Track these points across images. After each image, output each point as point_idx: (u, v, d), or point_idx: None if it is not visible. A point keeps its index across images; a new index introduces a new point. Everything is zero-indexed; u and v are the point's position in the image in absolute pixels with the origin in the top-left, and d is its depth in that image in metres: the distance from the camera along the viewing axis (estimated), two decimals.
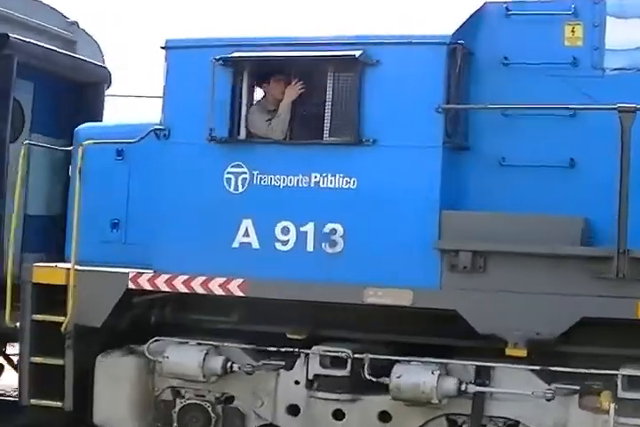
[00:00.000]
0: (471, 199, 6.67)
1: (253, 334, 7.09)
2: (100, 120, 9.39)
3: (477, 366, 6.42)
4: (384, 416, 6.68)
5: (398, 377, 6.38)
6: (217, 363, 6.82)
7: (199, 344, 6.92)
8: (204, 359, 6.79)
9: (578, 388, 6.26)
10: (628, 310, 6.05)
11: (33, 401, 7.43)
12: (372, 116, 6.56)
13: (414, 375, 6.36)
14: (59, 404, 7.33)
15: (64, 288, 7.31)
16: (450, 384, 6.33)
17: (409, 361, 6.49)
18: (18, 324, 7.50)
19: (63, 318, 7.26)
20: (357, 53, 6.50)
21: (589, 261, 6.12)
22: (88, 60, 9.28)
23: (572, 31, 6.72)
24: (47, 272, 7.40)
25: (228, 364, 6.82)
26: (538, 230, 6.24)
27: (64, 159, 8.71)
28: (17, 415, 7.99)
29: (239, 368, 6.82)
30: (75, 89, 9.11)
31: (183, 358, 6.86)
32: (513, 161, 6.68)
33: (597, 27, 6.65)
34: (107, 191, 7.77)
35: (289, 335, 6.93)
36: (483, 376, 6.42)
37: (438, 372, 6.33)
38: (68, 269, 7.28)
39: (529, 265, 6.24)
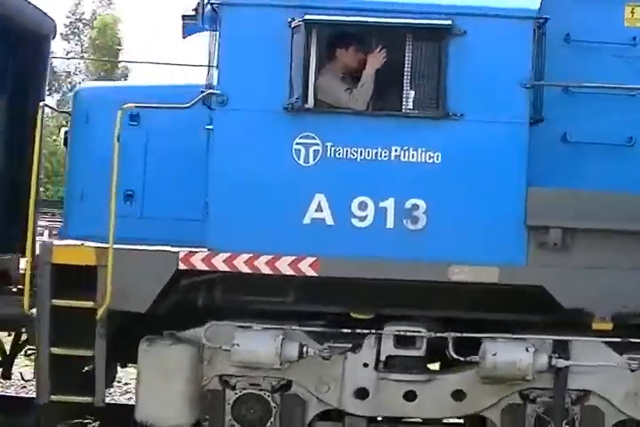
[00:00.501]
0: (536, 175, 6.75)
1: (305, 315, 6.81)
2: (45, 77, 8.49)
3: (555, 340, 6.61)
4: (458, 395, 6.69)
5: (494, 355, 6.41)
6: (294, 349, 6.47)
7: (265, 329, 6.53)
8: (281, 346, 6.42)
9: None
10: None
11: (54, 398, 6.65)
12: (457, 89, 6.44)
13: (509, 353, 6.43)
14: (87, 399, 6.63)
15: (87, 270, 6.60)
16: (543, 360, 6.46)
17: (494, 338, 6.55)
18: (34, 311, 6.66)
19: (90, 302, 6.56)
20: (449, 23, 6.35)
21: None
22: (38, 7, 8.31)
23: (632, 12, 6.98)
24: (72, 252, 6.62)
25: (304, 349, 6.50)
26: (621, 208, 6.49)
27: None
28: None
29: (314, 353, 6.52)
30: (23, 40, 8.13)
31: (257, 345, 6.44)
32: (575, 138, 6.87)
33: None
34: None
35: (354, 315, 6.72)
36: (561, 350, 6.60)
37: (533, 348, 6.44)
38: (99, 247, 6.57)
39: (616, 241, 6.50)
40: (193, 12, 7.79)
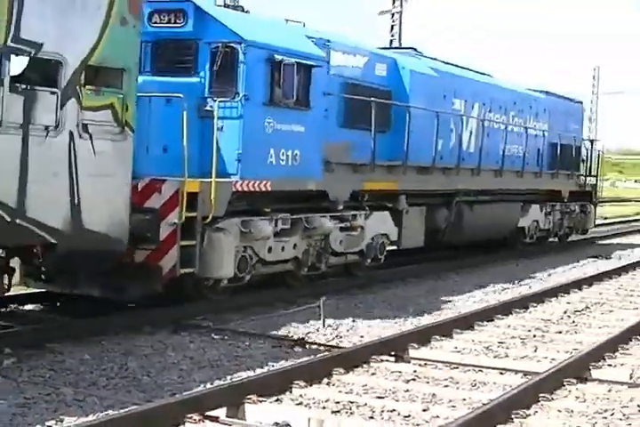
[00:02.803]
0: None
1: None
2: None
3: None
4: (295, 246, 14.32)
5: (323, 224, 14.36)
6: (274, 228, 13.33)
7: (262, 220, 13.18)
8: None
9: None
10: (360, 185, 15.54)
11: (182, 271, 11.96)
12: (312, 94, 13.98)
13: (327, 223, 14.48)
14: (192, 270, 12.14)
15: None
16: (333, 224, 14.67)
17: (316, 216, 14.41)
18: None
19: (195, 213, 12.12)
20: (313, 64, 13.85)
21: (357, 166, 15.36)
22: None
23: None
24: (191, 184, 11.98)
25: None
26: (342, 151, 15.05)
27: None
28: None
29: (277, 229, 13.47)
30: None
31: (267, 227, 13.11)
32: None
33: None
34: (159, 126, 12.35)
35: (266, 210, 13.66)
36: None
37: (331, 219, 14.61)
38: (201, 181, 12.15)
39: (342, 167, 15.06)
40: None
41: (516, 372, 10.27)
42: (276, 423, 8.03)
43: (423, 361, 10.62)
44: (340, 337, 11.97)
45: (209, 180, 12.28)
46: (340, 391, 9.24)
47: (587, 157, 26.26)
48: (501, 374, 10.24)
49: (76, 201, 10.00)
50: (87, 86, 10.06)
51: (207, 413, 7.98)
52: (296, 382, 9.17)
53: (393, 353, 10.68)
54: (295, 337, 11.72)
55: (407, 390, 9.30)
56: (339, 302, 14.47)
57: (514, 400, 8.63)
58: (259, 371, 9.75)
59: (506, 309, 14.07)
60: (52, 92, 9.66)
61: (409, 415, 8.48)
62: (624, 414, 8.77)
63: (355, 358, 10.27)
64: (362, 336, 12.02)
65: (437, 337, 11.73)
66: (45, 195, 9.66)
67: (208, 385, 9.17)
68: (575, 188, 25.43)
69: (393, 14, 39.54)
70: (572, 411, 8.80)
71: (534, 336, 12.37)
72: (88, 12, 9.97)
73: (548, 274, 19.49)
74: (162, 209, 12.00)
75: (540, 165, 23.15)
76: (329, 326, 12.48)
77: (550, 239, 25.25)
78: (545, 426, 8.38)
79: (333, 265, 15.75)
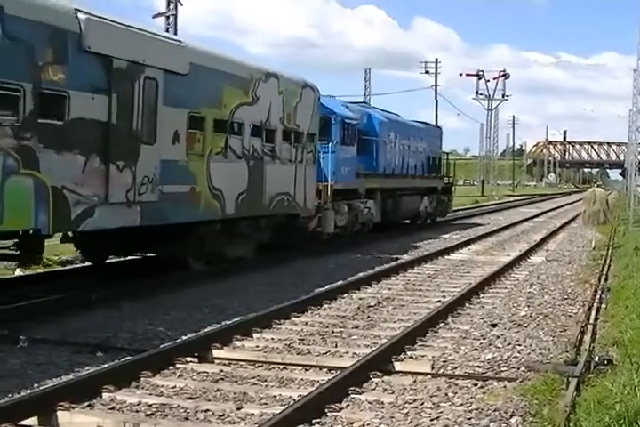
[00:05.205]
0: None
1: None
2: None
3: None
4: (345, 217, 28.06)
5: (359, 206, 28.27)
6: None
7: (342, 203, 26.92)
8: None
9: None
10: (367, 184, 29.56)
11: (317, 229, 25.52)
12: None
13: (360, 206, 28.41)
14: (320, 228, 25.75)
15: None
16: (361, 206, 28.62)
17: None
18: None
19: (321, 200, 25.72)
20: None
21: (365, 175, 29.37)
22: None
23: None
24: (322, 186, 25.58)
25: None
26: (359, 167, 29.01)
27: None
28: None
29: None
30: None
31: (344, 207, 26.93)
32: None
33: None
34: None
35: (337, 198, 27.40)
36: None
37: (359, 203, 28.57)
38: (324, 185, 25.75)
39: (361, 175, 29.01)
40: None
41: (321, 368, 10.98)
42: None
43: (227, 361, 11.24)
44: (141, 340, 12.24)
45: (326, 183, 25.88)
46: (150, 394, 9.58)
47: (446, 164, 41.60)
48: (307, 370, 10.91)
49: (306, 193, 23.56)
50: (306, 142, 23.57)
51: (19, 422, 8.24)
52: (105, 386, 9.46)
53: (197, 354, 11.25)
54: (95, 342, 11.94)
55: (217, 390, 9.78)
56: (133, 304, 14.88)
57: (325, 396, 9.20)
58: (65, 378, 9.98)
59: (301, 307, 15.04)
60: (299, 145, 23.18)
61: (223, 415, 8.91)
62: (434, 403, 9.34)
63: (160, 361, 10.66)
64: (162, 339, 12.40)
65: (238, 337, 12.32)
66: (298, 190, 23.16)
67: (16, 395, 9.24)
68: (443, 185, 40.52)
69: (168, 17, 41.12)
70: (382, 403, 9.38)
71: (333, 332, 13.12)
72: (308, 109, 23.63)
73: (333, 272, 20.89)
74: None
75: (425, 171, 37.85)
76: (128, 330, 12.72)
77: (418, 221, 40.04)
78: (359, 419, 8.83)
79: (356, 230, 29.50)
